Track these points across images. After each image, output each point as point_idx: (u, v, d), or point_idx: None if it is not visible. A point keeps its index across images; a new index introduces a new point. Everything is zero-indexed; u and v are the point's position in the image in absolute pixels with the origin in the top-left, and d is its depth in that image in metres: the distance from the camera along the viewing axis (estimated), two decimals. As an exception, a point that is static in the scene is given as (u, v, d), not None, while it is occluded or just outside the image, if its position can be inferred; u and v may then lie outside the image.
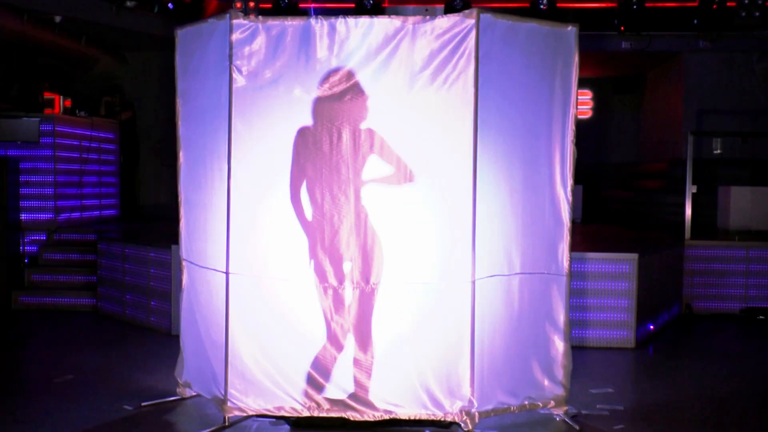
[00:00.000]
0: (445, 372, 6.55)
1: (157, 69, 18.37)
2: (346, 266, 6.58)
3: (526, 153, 6.82)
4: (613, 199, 19.65)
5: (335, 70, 6.50)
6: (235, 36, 6.54)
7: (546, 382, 7.05)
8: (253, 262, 6.66)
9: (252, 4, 14.63)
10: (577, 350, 8.05)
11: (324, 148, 6.51)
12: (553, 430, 6.93)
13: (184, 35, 7.30)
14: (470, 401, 6.52)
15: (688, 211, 12.58)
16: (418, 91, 6.43)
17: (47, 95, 13.84)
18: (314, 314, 6.65)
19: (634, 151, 20.93)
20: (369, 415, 6.63)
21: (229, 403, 6.70)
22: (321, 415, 6.69)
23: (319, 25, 6.50)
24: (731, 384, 8.58)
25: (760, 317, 11.74)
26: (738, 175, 16.09)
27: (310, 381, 6.66)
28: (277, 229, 6.65)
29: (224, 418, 6.79)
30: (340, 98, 6.49)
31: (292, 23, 6.55)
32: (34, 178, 13.45)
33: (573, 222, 7.08)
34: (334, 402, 6.66)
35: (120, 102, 16.64)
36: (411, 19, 6.45)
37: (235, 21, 6.54)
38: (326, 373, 6.65)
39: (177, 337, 7.76)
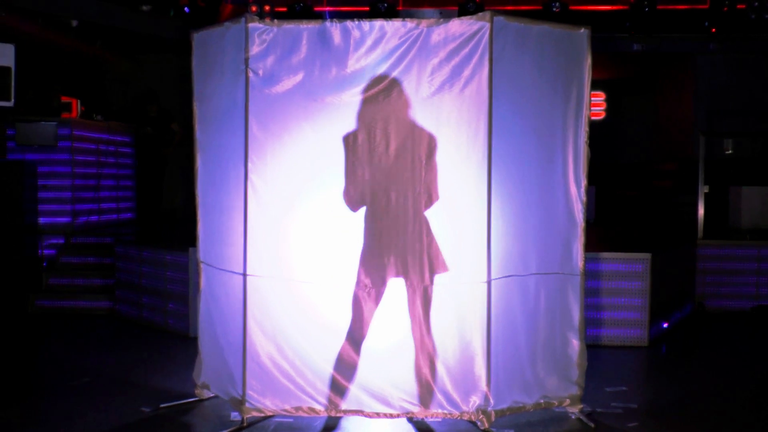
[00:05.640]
0: (461, 371, 6.59)
1: (173, 72, 18.40)
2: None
3: (540, 154, 6.86)
4: (626, 200, 19.64)
5: (350, 74, 6.55)
6: (251, 39, 6.59)
7: (561, 381, 7.08)
8: (273, 265, 6.69)
9: (267, 7, 14.69)
10: (592, 349, 8.07)
11: (333, 150, 6.59)
12: (568, 428, 6.95)
13: (200, 39, 7.34)
14: (486, 400, 6.56)
15: (701, 211, 12.61)
16: (432, 93, 6.47)
17: (64, 99, 13.84)
18: (335, 315, 6.71)
19: (646, 151, 20.94)
20: (387, 414, 6.69)
21: (247, 404, 6.74)
22: (339, 414, 6.76)
23: (334, 29, 6.56)
24: (744, 382, 8.60)
25: (772, 314, 11.79)
26: (749, 175, 16.09)
27: (330, 381, 6.71)
28: (299, 232, 6.69)
29: (242, 418, 6.83)
30: (355, 102, 6.55)
31: (306, 27, 6.59)
32: (51, 181, 13.46)
33: (587, 222, 7.11)
34: (352, 401, 6.71)
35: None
36: (425, 22, 6.49)
37: (250, 24, 6.57)
38: (345, 373, 6.69)
39: (194, 339, 7.80)
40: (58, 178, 13.52)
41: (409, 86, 6.50)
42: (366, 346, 6.70)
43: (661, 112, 20.27)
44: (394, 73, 6.50)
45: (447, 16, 7.20)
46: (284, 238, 6.71)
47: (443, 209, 6.59)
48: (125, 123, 15.64)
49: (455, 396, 6.62)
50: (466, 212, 6.54)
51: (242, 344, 6.74)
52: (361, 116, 6.57)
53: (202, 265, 7.49)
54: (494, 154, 6.47)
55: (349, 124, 6.59)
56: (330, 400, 6.72)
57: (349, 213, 6.67)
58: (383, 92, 6.53)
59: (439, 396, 6.63)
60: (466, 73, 6.44)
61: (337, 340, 6.71)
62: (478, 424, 6.59)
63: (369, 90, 6.54)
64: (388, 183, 6.59)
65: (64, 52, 16.57)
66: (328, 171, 6.67)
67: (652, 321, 10.10)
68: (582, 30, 7.02)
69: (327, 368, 6.70)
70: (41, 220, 13.31)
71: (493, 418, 6.60)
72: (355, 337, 6.70)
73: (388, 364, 6.70)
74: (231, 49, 6.83)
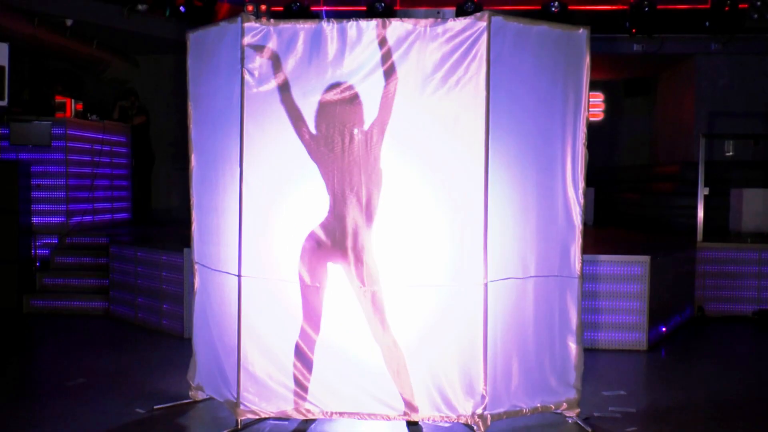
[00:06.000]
0: (458, 374, 6.54)
1: (168, 72, 18.38)
2: (358, 268, 6.56)
3: (537, 155, 6.80)
4: (625, 202, 19.61)
5: (347, 73, 6.50)
6: (247, 39, 6.54)
7: (558, 385, 7.02)
8: (265, 265, 6.65)
9: (264, 7, 14.68)
10: (589, 352, 8.03)
11: (336, 150, 6.50)
12: (565, 432, 6.94)
13: (196, 38, 7.30)
14: (483, 404, 6.51)
15: (700, 214, 12.52)
16: (429, 94, 6.42)
17: (59, 99, 13.81)
18: (324, 316, 6.64)
19: (646, 153, 20.91)
20: (382, 416, 6.63)
21: (241, 407, 6.69)
22: (335, 417, 6.70)
23: (330, 28, 6.50)
24: (743, 386, 8.54)
25: (773, 319, 11.71)
26: (750, 177, 16.04)
27: (324, 383, 6.66)
28: (289, 232, 6.63)
29: (237, 421, 6.78)
30: (352, 101, 6.49)
31: (303, 26, 6.54)
32: (45, 181, 13.41)
33: (585, 225, 7.06)
34: (348, 403, 6.65)
35: (136, 106, 16.62)
36: (422, 22, 6.44)
37: (246, 24, 6.54)
38: (340, 375, 6.64)
39: (189, 340, 7.76)
40: (53, 178, 13.48)
41: (405, 86, 6.43)
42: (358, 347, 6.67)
43: (660, 114, 20.22)
44: (391, 73, 6.43)
45: (444, 17, 7.15)
46: (280, 240, 6.66)
47: (441, 211, 6.52)
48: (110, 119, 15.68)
49: (452, 399, 6.56)
50: (464, 214, 6.47)
51: (237, 345, 6.69)
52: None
53: (197, 266, 7.44)
54: (491, 156, 6.41)
55: (345, 122, 6.52)
56: (326, 404, 6.66)
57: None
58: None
59: (437, 399, 6.57)
60: (464, 73, 6.39)
61: (330, 342, 6.65)
62: (475, 428, 6.54)
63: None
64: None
65: (60, 52, 16.52)
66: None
67: (651, 325, 10.05)
68: (581, 30, 6.97)
69: (322, 370, 6.64)
70: (35, 219, 13.24)
71: (489, 422, 6.56)
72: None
73: (382, 366, 6.64)
74: (226, 49, 6.80)
